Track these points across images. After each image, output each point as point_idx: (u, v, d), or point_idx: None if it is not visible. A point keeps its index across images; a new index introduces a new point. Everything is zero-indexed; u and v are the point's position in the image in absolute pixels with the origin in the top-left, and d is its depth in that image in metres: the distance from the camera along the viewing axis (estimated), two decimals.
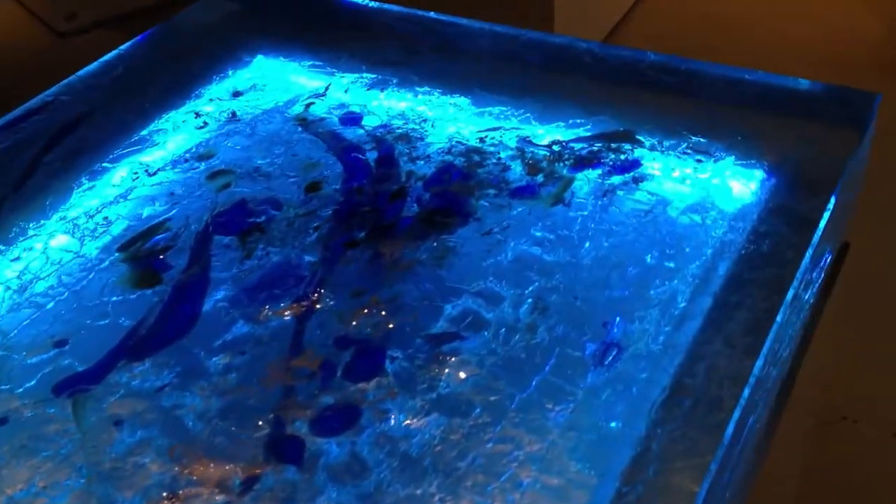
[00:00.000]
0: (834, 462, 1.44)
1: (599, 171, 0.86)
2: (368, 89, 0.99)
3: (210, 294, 0.77)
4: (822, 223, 0.80)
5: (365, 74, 1.02)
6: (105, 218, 0.85)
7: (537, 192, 0.84)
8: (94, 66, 1.06)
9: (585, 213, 0.83)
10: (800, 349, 0.87)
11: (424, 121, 0.94)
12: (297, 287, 0.76)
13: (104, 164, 0.92)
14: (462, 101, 0.97)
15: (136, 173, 0.90)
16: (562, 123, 0.93)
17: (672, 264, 0.78)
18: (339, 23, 1.12)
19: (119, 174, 0.91)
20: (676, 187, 0.85)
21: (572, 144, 0.89)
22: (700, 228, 0.81)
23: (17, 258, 0.83)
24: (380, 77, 1.02)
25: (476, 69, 1.02)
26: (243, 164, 0.90)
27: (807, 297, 0.85)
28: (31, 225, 0.86)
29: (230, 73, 1.04)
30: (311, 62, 1.05)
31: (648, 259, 0.78)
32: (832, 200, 0.82)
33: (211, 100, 0.99)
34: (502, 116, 0.95)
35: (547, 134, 0.91)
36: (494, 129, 0.93)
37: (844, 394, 1.52)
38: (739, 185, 0.85)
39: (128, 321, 0.76)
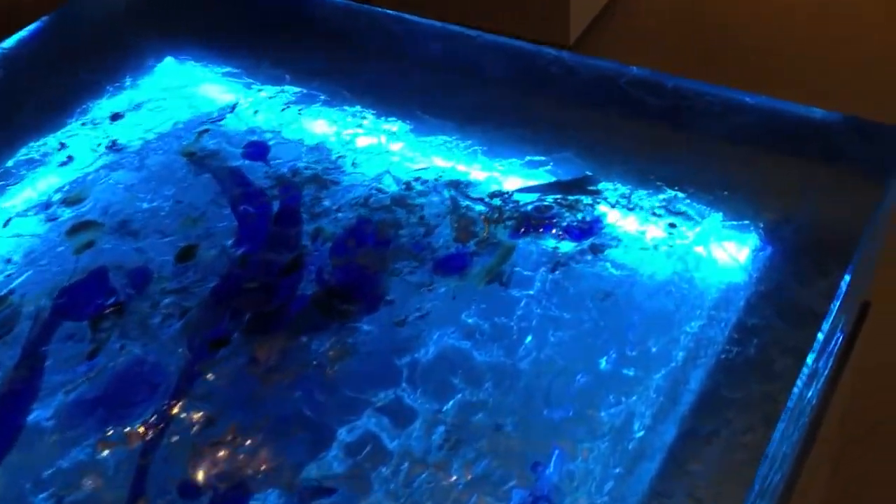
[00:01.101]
0: None
1: (549, 236, 0.68)
2: (284, 109, 0.82)
3: (42, 404, 0.61)
4: (830, 317, 0.63)
5: (287, 87, 0.84)
6: None
7: (468, 265, 0.67)
8: None
9: (530, 292, 0.65)
10: (800, 458, 0.70)
11: (343, 157, 0.76)
12: (149, 401, 0.60)
13: None
14: (399, 126, 0.80)
15: None
16: (516, 161, 0.75)
17: (632, 372, 0.61)
18: (268, 14, 0.94)
19: None
20: (645, 258, 0.67)
21: (518, 197, 0.71)
22: (671, 320, 0.63)
23: None
24: (304, 91, 0.84)
25: (422, 83, 0.84)
26: (117, 212, 0.73)
27: (810, 394, 0.68)
28: None
29: (128, 82, 0.87)
30: (226, 69, 0.88)
31: (603, 364, 0.61)
32: (845, 282, 0.64)
33: (83, 124, 0.81)
34: (444, 149, 0.77)
35: (491, 179, 0.73)
36: (428, 167, 0.75)
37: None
38: (725, 255, 0.67)
39: None
